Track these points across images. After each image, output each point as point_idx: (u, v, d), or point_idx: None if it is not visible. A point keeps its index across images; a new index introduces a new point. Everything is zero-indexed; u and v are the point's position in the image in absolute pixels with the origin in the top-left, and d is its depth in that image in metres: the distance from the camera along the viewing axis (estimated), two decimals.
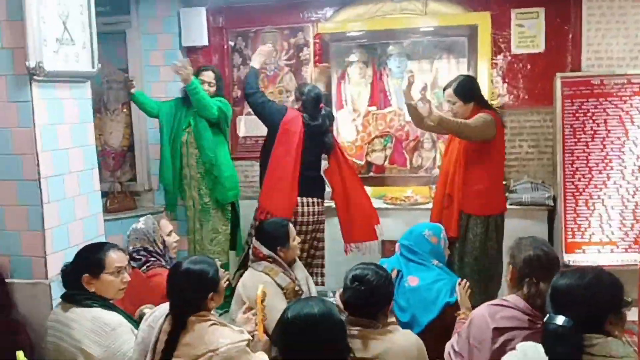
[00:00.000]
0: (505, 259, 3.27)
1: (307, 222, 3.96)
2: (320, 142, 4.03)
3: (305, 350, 1.76)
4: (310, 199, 3.96)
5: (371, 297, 2.22)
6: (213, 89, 4.33)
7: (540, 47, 4.54)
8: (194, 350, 2.08)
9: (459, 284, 2.85)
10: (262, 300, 2.46)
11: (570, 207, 4.32)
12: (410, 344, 2.22)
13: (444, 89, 3.78)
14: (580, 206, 4.31)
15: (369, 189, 4.76)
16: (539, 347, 1.70)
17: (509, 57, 4.59)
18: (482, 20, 4.56)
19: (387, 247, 4.55)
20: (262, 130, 4.83)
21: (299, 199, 3.91)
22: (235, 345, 2.10)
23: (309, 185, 3.97)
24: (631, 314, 1.91)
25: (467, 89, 3.68)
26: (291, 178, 3.86)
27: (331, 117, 4.22)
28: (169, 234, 3.13)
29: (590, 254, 4.26)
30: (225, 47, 5.00)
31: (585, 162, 4.28)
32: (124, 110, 4.94)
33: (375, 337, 2.18)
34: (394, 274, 2.93)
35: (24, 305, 2.82)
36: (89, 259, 2.49)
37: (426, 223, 3.33)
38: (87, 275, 2.45)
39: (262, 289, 2.51)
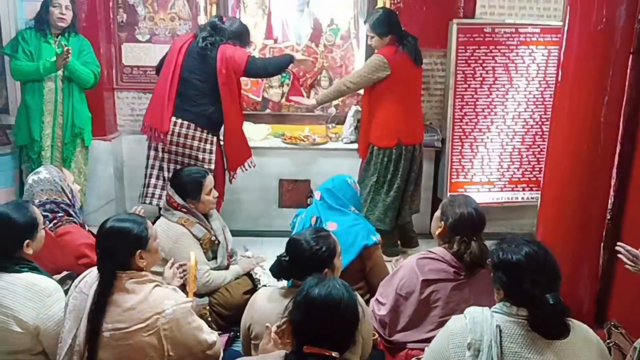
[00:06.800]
0: None
1: (175, 142, 3.66)
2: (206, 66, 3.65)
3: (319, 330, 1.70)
4: (181, 121, 3.64)
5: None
6: (70, 13, 3.90)
7: None
8: (140, 314, 1.99)
9: None
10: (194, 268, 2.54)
11: (457, 149, 4.57)
12: None
13: (365, 23, 3.94)
14: (466, 149, 4.58)
15: (265, 127, 4.70)
16: (486, 311, 1.77)
17: None
18: None
19: (285, 187, 4.56)
20: (149, 60, 4.53)
21: (173, 118, 3.64)
22: (180, 306, 2.05)
23: (184, 106, 3.65)
24: None
25: (383, 25, 3.86)
26: (165, 93, 3.63)
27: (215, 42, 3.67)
28: (72, 182, 2.85)
29: (471, 192, 4.57)
30: None
31: (473, 107, 4.52)
32: None
33: None
34: (313, 221, 2.96)
35: None
36: (27, 222, 2.24)
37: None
38: (28, 240, 2.23)
39: (194, 257, 2.57)
